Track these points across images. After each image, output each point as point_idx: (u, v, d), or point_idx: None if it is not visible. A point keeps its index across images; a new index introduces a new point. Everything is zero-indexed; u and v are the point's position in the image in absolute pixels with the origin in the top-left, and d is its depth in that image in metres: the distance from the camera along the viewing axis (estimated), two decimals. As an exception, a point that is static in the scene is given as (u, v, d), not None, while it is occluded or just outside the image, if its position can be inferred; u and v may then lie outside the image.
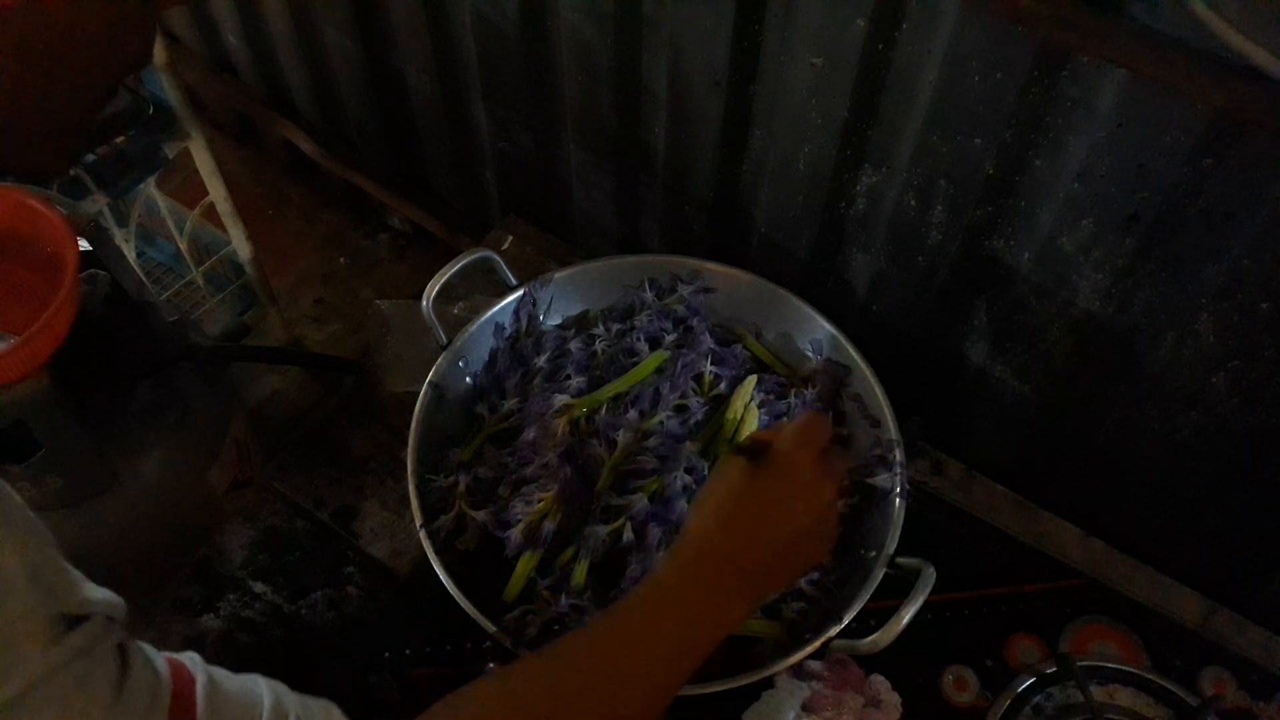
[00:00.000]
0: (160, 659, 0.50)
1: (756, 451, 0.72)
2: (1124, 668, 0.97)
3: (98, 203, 1.40)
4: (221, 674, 0.53)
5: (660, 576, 0.67)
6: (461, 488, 0.94)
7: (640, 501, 0.90)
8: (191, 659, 0.52)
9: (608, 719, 0.62)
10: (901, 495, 0.92)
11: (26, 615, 0.42)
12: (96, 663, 0.45)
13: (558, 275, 1.06)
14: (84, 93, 0.52)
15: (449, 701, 0.58)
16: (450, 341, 1.00)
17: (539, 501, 0.91)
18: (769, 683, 0.88)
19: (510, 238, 1.36)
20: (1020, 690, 0.96)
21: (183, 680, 0.50)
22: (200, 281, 1.75)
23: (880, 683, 0.93)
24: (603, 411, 0.98)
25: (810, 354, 1.05)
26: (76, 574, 0.47)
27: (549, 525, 0.90)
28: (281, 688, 0.55)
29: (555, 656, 0.63)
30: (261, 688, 0.54)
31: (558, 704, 0.60)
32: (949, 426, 1.15)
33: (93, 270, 1.07)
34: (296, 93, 1.81)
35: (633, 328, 1.05)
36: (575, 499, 0.91)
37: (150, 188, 1.54)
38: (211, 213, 1.64)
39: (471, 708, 0.59)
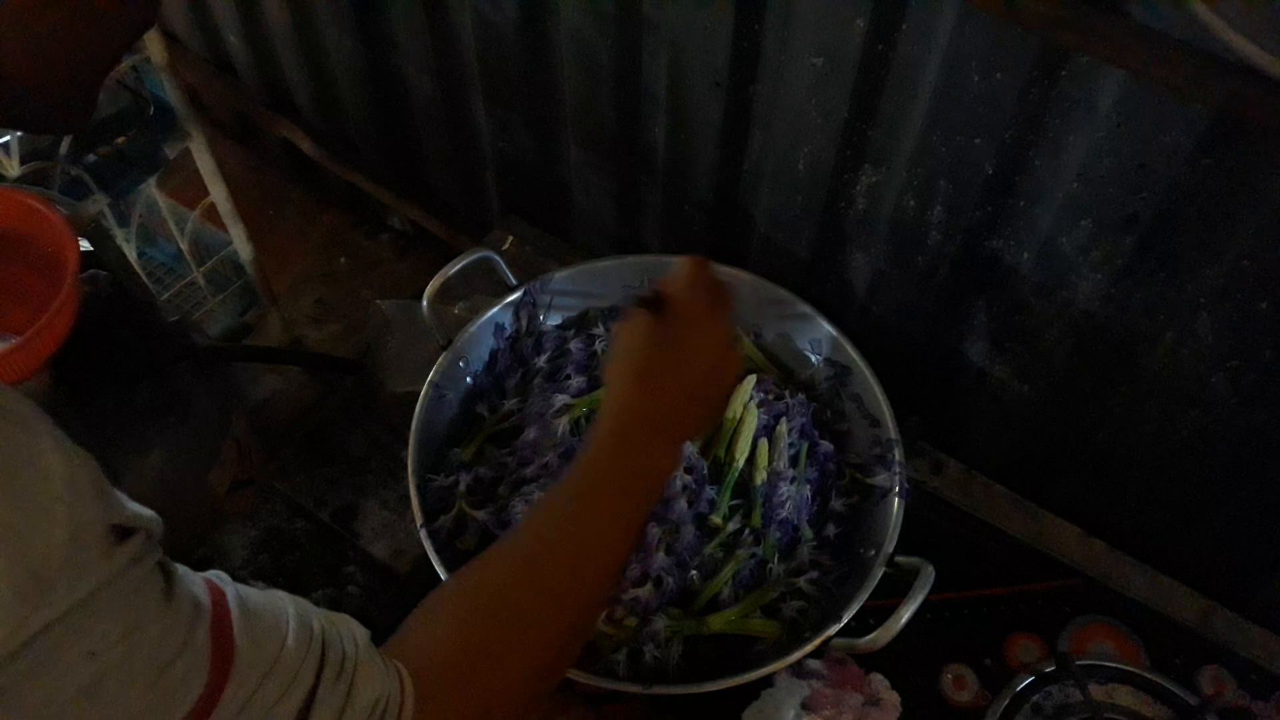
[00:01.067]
0: (194, 575, 0.54)
1: (655, 302, 0.75)
2: (1123, 667, 0.97)
3: (98, 203, 1.40)
4: (245, 588, 0.56)
5: (591, 451, 0.71)
6: (462, 488, 0.94)
7: (640, 501, 0.90)
8: (218, 575, 0.55)
9: (579, 577, 0.66)
10: (901, 495, 0.92)
11: (93, 523, 0.46)
12: (146, 572, 0.48)
13: (558, 275, 1.06)
14: (109, 47, 0.56)
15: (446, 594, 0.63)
16: (450, 341, 1.00)
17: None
18: (769, 681, 0.88)
19: (510, 238, 1.36)
20: (1019, 689, 0.96)
21: (216, 592, 0.53)
22: (201, 282, 1.75)
23: (879, 681, 0.93)
24: (603, 411, 0.98)
25: (810, 354, 1.05)
26: (120, 493, 0.50)
27: (549, 525, 0.90)
28: (303, 602, 0.57)
29: (519, 543, 0.67)
30: (284, 600, 0.56)
31: (527, 581, 0.64)
32: (949, 426, 1.15)
33: (93, 270, 1.07)
34: (296, 93, 1.81)
35: (633, 328, 1.06)
36: (575, 499, 0.91)
37: (151, 188, 1.54)
38: (212, 213, 1.64)
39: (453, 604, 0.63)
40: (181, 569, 0.52)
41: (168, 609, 0.48)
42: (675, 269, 0.78)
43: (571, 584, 0.65)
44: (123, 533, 0.47)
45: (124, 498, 0.50)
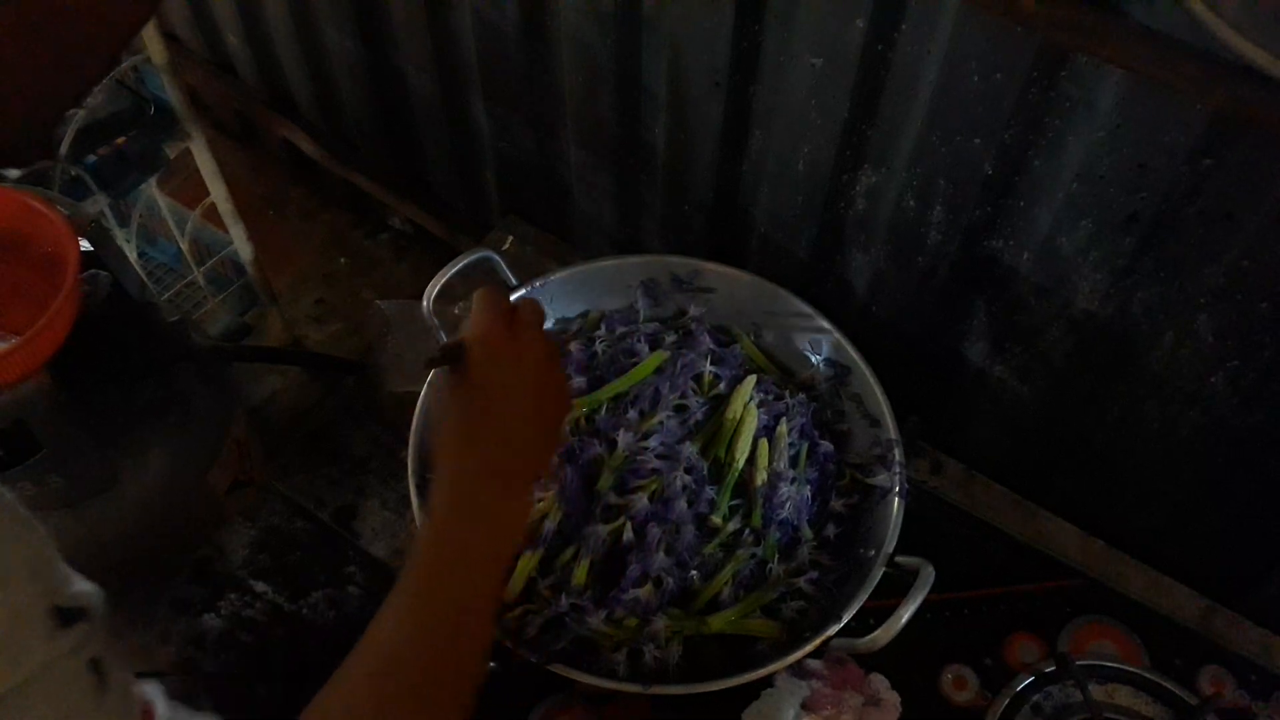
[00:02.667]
0: (129, 675, 0.52)
1: (454, 355, 0.71)
2: (1123, 667, 0.97)
3: (99, 203, 1.40)
4: (177, 705, 0.55)
5: (431, 527, 0.68)
6: None
7: (640, 501, 0.91)
8: (150, 686, 0.54)
9: (447, 674, 0.63)
10: (900, 495, 0.92)
11: (30, 606, 0.44)
12: (83, 664, 0.47)
13: (558, 275, 1.06)
14: (74, 81, 0.52)
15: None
16: (450, 341, 1.00)
17: (539, 501, 0.91)
18: (768, 682, 0.88)
19: (510, 238, 1.36)
20: (1019, 689, 0.96)
21: (146, 703, 0.52)
22: (201, 281, 1.75)
23: (879, 682, 0.93)
24: (603, 411, 0.98)
25: (810, 354, 1.05)
26: (66, 567, 0.48)
27: (549, 525, 0.90)
28: None
29: (374, 652, 0.62)
30: None
31: (399, 696, 0.61)
32: (948, 426, 1.15)
33: (94, 270, 1.07)
34: (296, 93, 1.81)
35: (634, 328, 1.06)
36: (575, 499, 0.92)
37: (151, 188, 1.54)
38: (212, 213, 1.64)
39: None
40: (116, 671, 0.51)
41: (102, 704, 0.47)
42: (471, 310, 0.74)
43: (440, 668, 0.63)
44: (66, 616, 0.46)
45: (68, 573, 0.48)
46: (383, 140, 1.72)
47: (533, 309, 0.76)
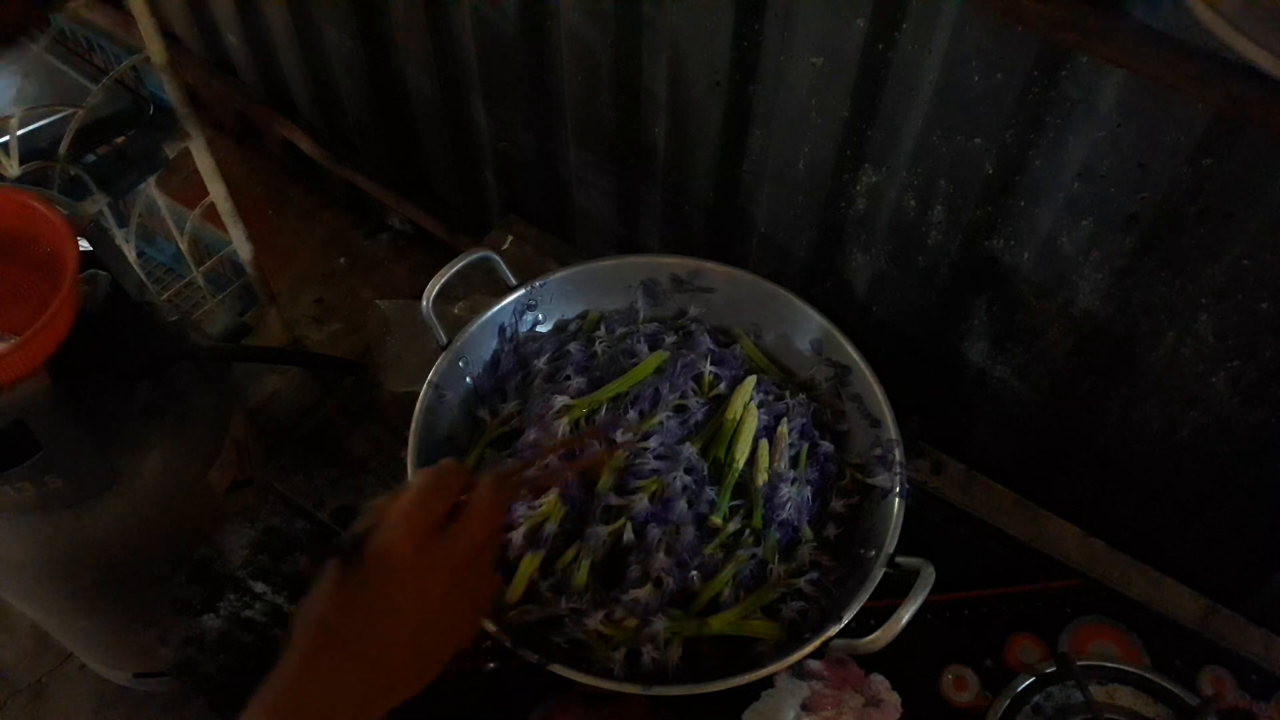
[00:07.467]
0: None
1: (353, 547, 0.63)
2: (1123, 667, 0.97)
3: (98, 203, 1.40)
4: None
5: None
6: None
7: (640, 502, 0.90)
8: None
9: None
10: (901, 495, 0.92)
11: None
12: None
13: (558, 275, 1.06)
14: None
15: None
16: (450, 341, 1.00)
17: (540, 506, 0.91)
18: (769, 682, 0.88)
19: (510, 238, 1.36)
20: (1020, 690, 0.96)
21: None
22: (200, 281, 1.75)
23: (880, 682, 0.93)
24: (603, 411, 0.98)
25: (810, 354, 1.05)
26: None
27: (550, 526, 0.90)
28: None
29: None
30: None
31: None
32: (949, 426, 1.15)
33: (93, 270, 1.07)
34: (296, 93, 1.81)
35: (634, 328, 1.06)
36: (576, 500, 0.91)
37: (150, 188, 1.54)
38: (212, 213, 1.64)
39: None
40: None
41: None
42: (398, 502, 0.64)
43: None
44: None
45: None
46: (382, 140, 1.72)
47: (462, 532, 0.64)
